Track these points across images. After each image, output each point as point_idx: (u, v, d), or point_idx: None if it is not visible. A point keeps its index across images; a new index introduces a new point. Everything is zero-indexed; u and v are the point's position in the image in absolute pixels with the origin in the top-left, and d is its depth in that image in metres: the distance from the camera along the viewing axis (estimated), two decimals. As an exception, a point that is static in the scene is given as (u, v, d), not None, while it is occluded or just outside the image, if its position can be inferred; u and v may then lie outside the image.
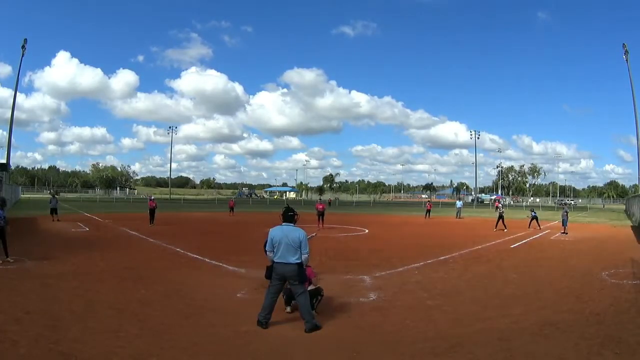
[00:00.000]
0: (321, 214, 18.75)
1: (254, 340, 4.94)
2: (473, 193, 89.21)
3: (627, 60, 36.03)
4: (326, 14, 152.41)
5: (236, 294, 6.91)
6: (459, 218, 30.45)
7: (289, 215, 5.46)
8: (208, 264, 9.91)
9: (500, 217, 20.11)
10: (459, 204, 33.83)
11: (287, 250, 5.22)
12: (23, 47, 34.73)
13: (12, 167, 56.56)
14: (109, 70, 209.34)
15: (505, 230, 19.41)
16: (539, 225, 21.06)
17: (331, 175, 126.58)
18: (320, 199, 21.26)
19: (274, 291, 5.37)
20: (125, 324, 5.29)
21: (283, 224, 5.43)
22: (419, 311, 6.27)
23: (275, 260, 5.27)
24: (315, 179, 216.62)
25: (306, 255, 5.33)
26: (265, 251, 5.40)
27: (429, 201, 36.49)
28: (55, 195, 24.99)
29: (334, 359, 4.54)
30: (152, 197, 21.55)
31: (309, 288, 5.96)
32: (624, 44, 36.49)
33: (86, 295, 6.68)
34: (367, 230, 19.53)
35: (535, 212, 21.69)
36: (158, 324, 5.39)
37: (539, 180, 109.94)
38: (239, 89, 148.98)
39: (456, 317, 5.98)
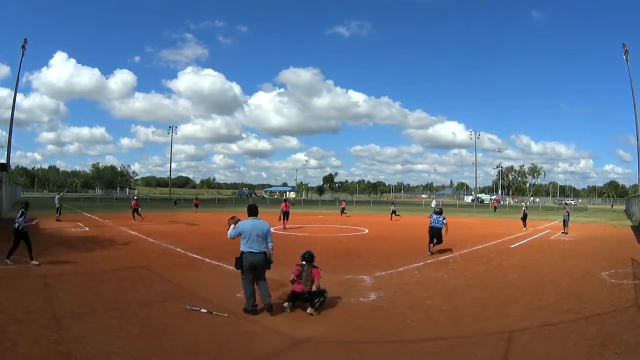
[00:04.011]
0: (286, 214, 19.93)
1: (254, 340, 4.95)
2: (473, 193, 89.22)
3: (627, 60, 35.85)
4: (319, 14, 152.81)
5: (236, 294, 6.88)
6: None
7: (256, 210, 6.26)
8: (208, 264, 9.91)
9: (525, 216, 20.63)
10: (433, 203, 34.07)
11: (256, 240, 5.92)
12: (23, 47, 34.53)
13: (12, 167, 56.54)
14: (107, 71, 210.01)
15: (524, 229, 19.88)
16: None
17: (331, 175, 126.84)
18: (285, 200, 22.47)
19: (250, 281, 5.96)
20: (125, 324, 5.29)
21: (250, 217, 6.13)
22: (418, 311, 6.27)
23: (246, 251, 5.91)
24: (314, 179, 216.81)
25: (271, 244, 6.08)
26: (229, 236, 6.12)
27: (344, 200, 37.95)
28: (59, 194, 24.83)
29: (334, 359, 4.55)
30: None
31: (313, 289, 6.00)
32: (624, 43, 36.28)
33: (86, 295, 6.68)
34: (367, 230, 19.54)
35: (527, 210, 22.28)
36: (158, 324, 5.40)
37: (538, 180, 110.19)
38: (236, 88, 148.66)
39: (456, 317, 5.98)
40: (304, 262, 6.21)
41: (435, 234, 11.92)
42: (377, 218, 29.21)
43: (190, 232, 17.76)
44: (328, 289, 6.48)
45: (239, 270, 6.05)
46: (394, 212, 28.23)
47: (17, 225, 9.05)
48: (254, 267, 5.91)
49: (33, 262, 8.91)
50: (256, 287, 6.02)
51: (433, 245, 11.87)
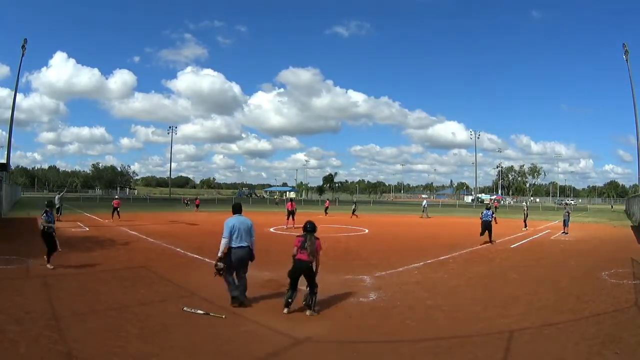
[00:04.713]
0: (291, 213, 20.00)
1: (254, 340, 4.95)
2: (473, 193, 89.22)
3: (627, 60, 35.76)
4: (319, 14, 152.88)
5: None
6: (427, 217, 30.34)
7: (240, 208, 6.74)
8: (208, 264, 9.85)
9: (526, 215, 21.09)
10: (425, 202, 34.07)
11: (243, 235, 6.36)
12: (23, 47, 34.54)
13: (12, 167, 56.52)
14: (106, 71, 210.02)
15: (524, 228, 20.12)
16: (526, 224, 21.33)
17: (330, 175, 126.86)
18: (290, 199, 22.51)
19: (230, 273, 6.31)
20: (125, 324, 5.29)
21: (235, 215, 6.53)
22: (419, 311, 6.27)
23: (234, 246, 6.27)
24: (314, 179, 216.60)
25: (254, 238, 6.55)
26: (223, 239, 6.30)
27: (327, 200, 38.37)
28: (59, 194, 24.77)
29: (334, 359, 4.55)
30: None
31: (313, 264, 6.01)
32: (624, 43, 36.25)
33: (86, 295, 6.68)
34: (367, 230, 19.53)
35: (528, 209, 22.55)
36: (158, 324, 5.39)
37: (538, 180, 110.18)
38: (236, 88, 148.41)
39: (456, 317, 5.98)
40: (305, 233, 6.07)
41: (487, 227, 14.28)
42: (376, 218, 29.22)
43: (190, 232, 17.75)
44: (328, 289, 6.49)
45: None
46: (354, 211, 28.78)
47: (42, 227, 8.97)
48: (241, 260, 6.33)
49: (48, 264, 8.74)
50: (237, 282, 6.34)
51: (488, 236, 14.29)
